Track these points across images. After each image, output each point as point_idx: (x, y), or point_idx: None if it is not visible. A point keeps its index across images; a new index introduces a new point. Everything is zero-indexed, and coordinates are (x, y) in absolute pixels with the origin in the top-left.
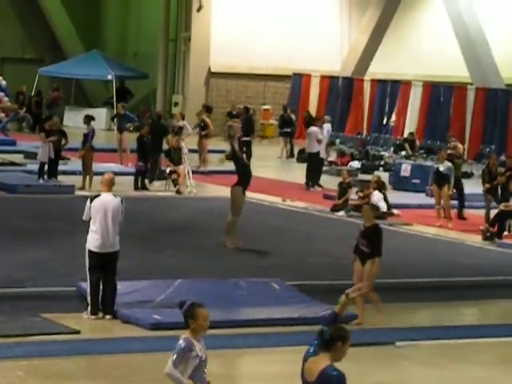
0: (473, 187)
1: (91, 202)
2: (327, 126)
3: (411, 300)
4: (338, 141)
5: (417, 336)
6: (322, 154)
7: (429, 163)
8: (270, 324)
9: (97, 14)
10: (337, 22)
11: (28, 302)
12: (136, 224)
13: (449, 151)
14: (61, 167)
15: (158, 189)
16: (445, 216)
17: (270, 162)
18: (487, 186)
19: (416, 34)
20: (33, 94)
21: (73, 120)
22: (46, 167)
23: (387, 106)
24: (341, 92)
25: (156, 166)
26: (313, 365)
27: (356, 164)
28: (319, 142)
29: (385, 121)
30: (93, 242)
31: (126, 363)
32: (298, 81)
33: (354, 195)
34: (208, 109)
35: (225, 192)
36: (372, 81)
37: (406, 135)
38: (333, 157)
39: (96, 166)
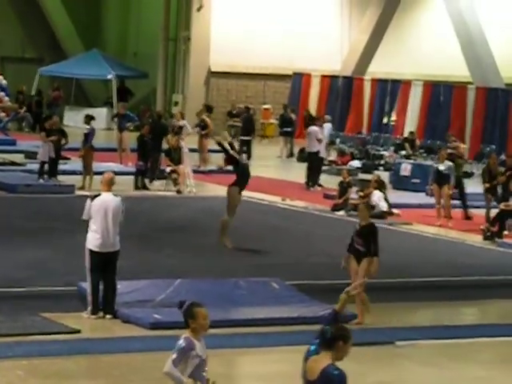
0: (473, 187)
1: (91, 201)
2: (327, 126)
3: (411, 299)
4: (338, 140)
5: (417, 335)
6: (322, 154)
7: (429, 163)
8: (269, 323)
9: (97, 14)
10: (337, 21)
11: (28, 301)
12: (136, 223)
13: (449, 151)
14: (61, 167)
15: (158, 188)
16: (445, 215)
17: (270, 161)
18: (487, 185)
19: (416, 34)
20: (33, 93)
21: (73, 119)
22: (46, 167)
23: (387, 106)
24: (341, 91)
25: (156, 165)
26: (314, 364)
27: (356, 163)
28: (319, 141)
29: (385, 120)
30: (93, 241)
31: (125, 363)
32: (298, 80)
33: (354, 195)
34: (208, 108)
35: (225, 192)
36: (372, 80)
37: (406, 135)
38: (333, 156)
39: (96, 166)
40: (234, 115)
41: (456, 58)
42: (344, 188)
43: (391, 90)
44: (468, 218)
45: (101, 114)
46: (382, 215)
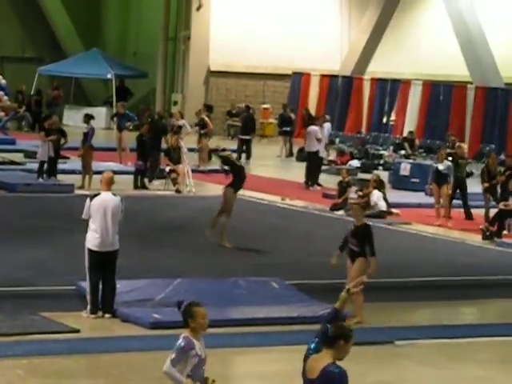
0: (472, 186)
1: (91, 200)
2: (327, 125)
3: (410, 299)
4: (337, 140)
5: (416, 335)
6: (322, 153)
7: (428, 162)
8: (269, 323)
9: (97, 14)
10: (337, 21)
11: (27, 300)
12: (135, 223)
13: (448, 150)
14: (60, 166)
15: (158, 188)
16: (444, 215)
17: (270, 160)
18: (486, 185)
19: (415, 34)
20: (32, 92)
21: (72, 119)
22: (46, 166)
23: (387, 105)
24: (340, 91)
25: (156, 165)
26: (314, 363)
27: (355, 163)
28: (319, 141)
29: (384, 120)
30: (92, 240)
31: (125, 362)
32: (298, 80)
33: (353, 194)
34: (209, 108)
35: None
36: (372, 80)
37: (405, 134)
38: (332, 156)
39: (95, 165)
40: (234, 115)
41: (455, 58)
42: (343, 187)
43: (391, 90)
44: (469, 218)
45: (100, 113)
46: (382, 215)
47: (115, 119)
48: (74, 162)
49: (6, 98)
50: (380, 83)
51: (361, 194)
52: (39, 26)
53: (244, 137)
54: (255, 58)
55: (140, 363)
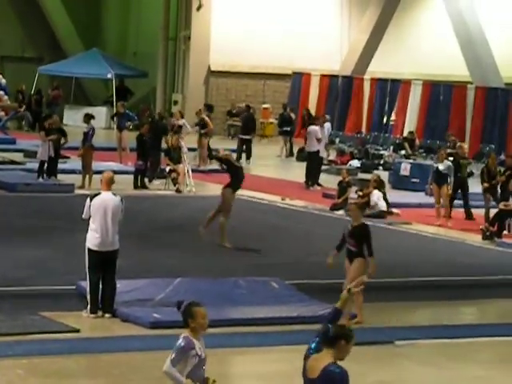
0: (472, 186)
1: (91, 200)
2: (327, 125)
3: (410, 299)
4: (337, 140)
5: (416, 335)
6: (322, 153)
7: (428, 162)
8: (268, 323)
9: (97, 13)
10: (337, 21)
11: (28, 300)
12: (135, 223)
13: (449, 150)
14: (60, 166)
15: (158, 187)
16: (444, 215)
17: (270, 160)
18: (486, 185)
19: (416, 34)
20: (32, 92)
21: (72, 119)
22: (46, 166)
23: (387, 105)
24: (340, 91)
25: (156, 164)
26: (315, 362)
27: (356, 163)
28: (319, 140)
29: (384, 120)
30: (92, 240)
31: (125, 362)
32: (298, 80)
33: (353, 194)
34: (209, 108)
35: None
36: (372, 80)
37: (405, 134)
38: (332, 156)
39: (96, 165)
40: (234, 114)
41: (456, 58)
42: (343, 187)
43: (391, 90)
44: (469, 218)
45: (100, 113)
46: (382, 215)
47: (115, 119)
48: (74, 162)
49: (6, 97)
50: (380, 83)
51: (361, 193)
52: (39, 25)
53: (244, 136)
54: (255, 58)
55: (140, 363)
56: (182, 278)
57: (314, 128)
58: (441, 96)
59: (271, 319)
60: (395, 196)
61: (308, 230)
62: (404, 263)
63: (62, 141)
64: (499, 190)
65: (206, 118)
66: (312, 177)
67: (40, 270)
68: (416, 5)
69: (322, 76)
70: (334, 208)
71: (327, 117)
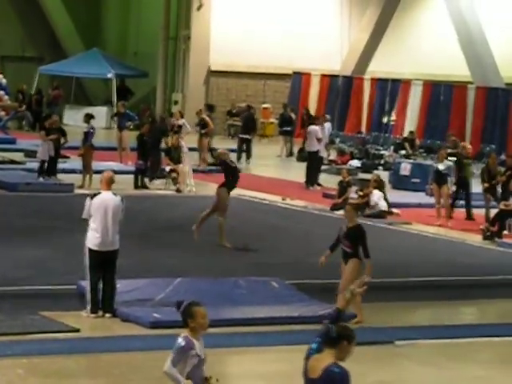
0: (473, 186)
1: (91, 200)
2: (327, 125)
3: (411, 299)
4: (337, 140)
5: (416, 335)
6: (322, 153)
7: (428, 162)
8: (268, 323)
9: (97, 13)
10: (337, 21)
11: (27, 300)
12: (136, 222)
13: (449, 150)
14: (60, 165)
15: (158, 187)
16: (445, 215)
17: (270, 160)
18: (486, 185)
19: (416, 33)
20: (33, 92)
21: (73, 118)
22: (46, 165)
23: (387, 105)
24: (341, 91)
25: (157, 164)
26: (316, 362)
27: (356, 163)
28: (319, 140)
29: (385, 120)
30: (93, 240)
31: (125, 361)
32: (298, 79)
33: (353, 194)
34: (210, 108)
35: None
36: (372, 80)
37: (405, 134)
38: (333, 155)
39: (96, 165)
40: (234, 114)
41: (456, 58)
42: (344, 187)
43: (391, 90)
44: (470, 218)
45: (101, 112)
46: (382, 215)
47: (116, 119)
48: (75, 162)
49: (6, 97)
50: (380, 83)
51: (361, 193)
52: (39, 25)
53: (244, 136)
54: (256, 58)
55: (140, 363)
56: (182, 278)
57: (314, 128)
58: (441, 96)
59: (271, 319)
60: (395, 196)
61: (308, 230)
62: (404, 263)
63: (62, 140)
64: (499, 190)
65: (207, 118)
66: (312, 177)
67: (40, 270)
68: (416, 5)
69: (322, 76)
70: (334, 208)
71: (327, 117)
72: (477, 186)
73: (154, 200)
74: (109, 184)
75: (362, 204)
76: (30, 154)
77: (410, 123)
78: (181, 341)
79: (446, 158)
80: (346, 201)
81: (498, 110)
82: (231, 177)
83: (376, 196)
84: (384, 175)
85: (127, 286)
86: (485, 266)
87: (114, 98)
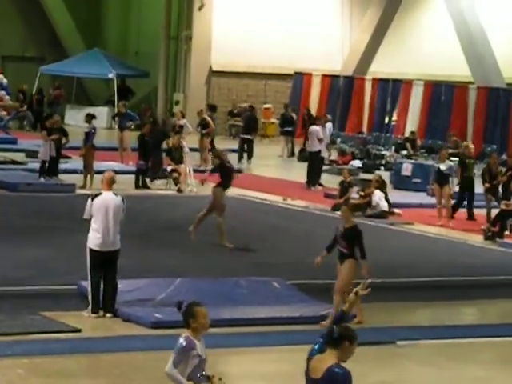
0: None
1: (92, 200)
2: (329, 125)
3: (411, 299)
4: (339, 140)
5: (417, 335)
6: (323, 153)
7: (430, 162)
8: (269, 323)
9: (98, 13)
10: (338, 21)
11: (28, 300)
12: (137, 223)
13: (450, 150)
14: (62, 166)
15: (159, 187)
16: (446, 215)
17: (271, 160)
18: (487, 185)
19: (417, 34)
20: (34, 92)
21: (74, 118)
22: (47, 165)
23: (388, 106)
24: (342, 91)
25: (158, 164)
26: (318, 363)
27: (357, 163)
28: (320, 141)
29: (386, 120)
30: (94, 240)
31: (126, 361)
32: (300, 80)
33: (354, 194)
34: (212, 108)
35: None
36: (373, 80)
37: (407, 134)
38: (334, 156)
39: (97, 165)
40: (235, 114)
41: (457, 58)
42: (345, 188)
43: (392, 90)
44: (471, 218)
45: (102, 112)
46: (383, 215)
47: (117, 119)
48: (76, 162)
49: (7, 97)
50: (381, 83)
51: (362, 194)
52: (40, 24)
53: (245, 136)
54: (257, 58)
55: (141, 363)
56: (183, 278)
57: (315, 128)
58: (442, 96)
59: (272, 319)
60: (397, 196)
61: (309, 231)
62: (405, 263)
63: (63, 141)
64: (501, 190)
65: (208, 118)
66: (313, 177)
67: (40, 270)
68: (417, 6)
69: (324, 76)
70: (336, 208)
71: (329, 117)
72: (477, 186)
73: (154, 200)
74: (110, 184)
75: (363, 204)
76: (32, 154)
77: (412, 123)
78: (182, 341)
79: (448, 159)
80: (347, 201)
81: (499, 110)
82: (226, 176)
83: (377, 196)
84: (385, 175)
85: (128, 286)
86: (486, 267)
87: (115, 98)
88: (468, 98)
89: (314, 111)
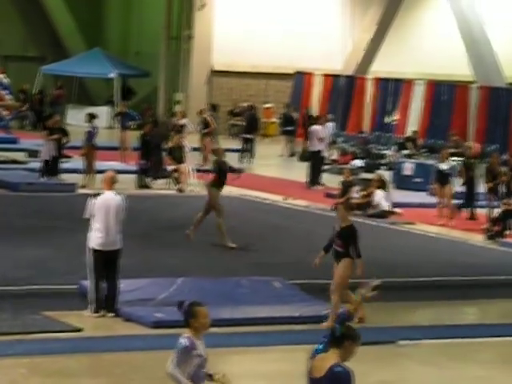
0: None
1: (93, 200)
2: (329, 125)
3: (412, 299)
4: (340, 139)
5: (418, 335)
6: (324, 153)
7: (431, 162)
8: (271, 322)
9: (99, 12)
10: (339, 20)
11: (29, 300)
12: (138, 222)
13: (451, 150)
14: (63, 165)
15: (160, 187)
16: (447, 215)
17: (272, 160)
18: (490, 185)
19: (418, 33)
20: (35, 91)
21: (75, 118)
22: (48, 165)
23: (389, 105)
24: (343, 91)
25: (159, 164)
26: (321, 362)
27: (358, 162)
28: (321, 140)
29: (387, 119)
30: (95, 240)
31: (127, 361)
32: (300, 79)
33: (355, 194)
34: (213, 107)
35: (226, 191)
36: (374, 79)
37: (408, 134)
38: (335, 155)
39: (98, 164)
40: (236, 114)
41: (458, 57)
42: (346, 187)
43: (393, 89)
44: (472, 217)
45: (103, 112)
46: (384, 214)
47: (118, 118)
48: (77, 161)
49: (8, 97)
50: (382, 83)
51: (363, 193)
52: (41, 24)
53: (247, 136)
54: (258, 58)
55: (142, 362)
56: (185, 278)
57: (315, 127)
58: (443, 95)
59: (273, 319)
60: (398, 196)
61: (310, 230)
62: (406, 263)
63: (64, 140)
64: (502, 190)
65: (208, 118)
66: (314, 176)
67: (41, 270)
68: (419, 5)
69: (325, 76)
70: (336, 208)
71: (330, 116)
72: (480, 186)
73: (156, 200)
74: (111, 184)
75: (364, 204)
76: (33, 153)
77: (413, 123)
78: (183, 341)
79: (448, 158)
80: (348, 201)
81: (500, 110)
82: (221, 174)
83: (378, 196)
84: (386, 175)
85: (129, 286)
86: (487, 266)
87: (116, 98)
88: (469, 98)
89: (315, 111)
